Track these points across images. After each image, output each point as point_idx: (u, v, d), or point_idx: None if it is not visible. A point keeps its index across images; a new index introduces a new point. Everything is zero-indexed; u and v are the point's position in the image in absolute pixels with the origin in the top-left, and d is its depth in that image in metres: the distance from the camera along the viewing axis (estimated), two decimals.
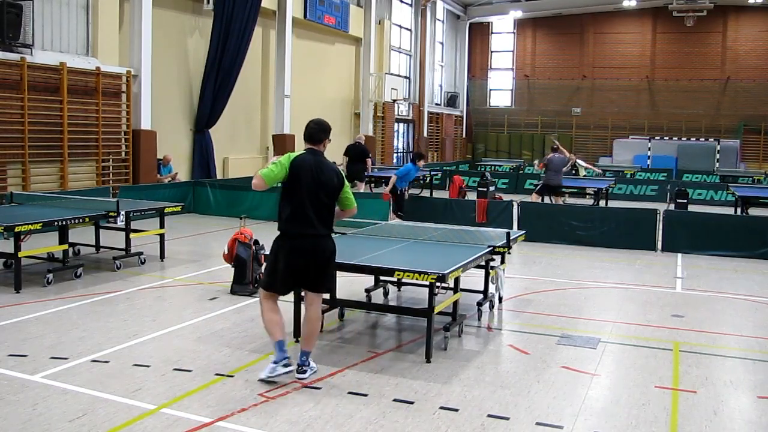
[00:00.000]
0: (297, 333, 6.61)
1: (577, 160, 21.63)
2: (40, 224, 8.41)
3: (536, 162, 16.55)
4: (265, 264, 6.25)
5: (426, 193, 21.49)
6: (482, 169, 28.77)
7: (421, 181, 22.30)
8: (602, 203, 18.09)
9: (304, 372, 5.59)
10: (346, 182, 5.77)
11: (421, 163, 13.75)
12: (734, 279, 10.44)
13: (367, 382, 5.58)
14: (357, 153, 17.88)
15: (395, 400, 5.24)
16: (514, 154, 36.56)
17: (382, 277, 8.24)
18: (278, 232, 5.61)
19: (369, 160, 18.08)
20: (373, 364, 6.06)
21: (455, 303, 6.85)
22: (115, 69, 15.02)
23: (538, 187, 16.17)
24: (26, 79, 13.03)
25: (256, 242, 8.68)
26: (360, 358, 6.19)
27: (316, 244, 5.53)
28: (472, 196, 17.08)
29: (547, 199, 16.08)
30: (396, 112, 28.99)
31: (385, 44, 28.21)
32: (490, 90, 39.50)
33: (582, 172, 22.23)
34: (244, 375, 5.66)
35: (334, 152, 18.49)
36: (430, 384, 5.60)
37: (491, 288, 7.96)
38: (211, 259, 10.66)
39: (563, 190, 15.79)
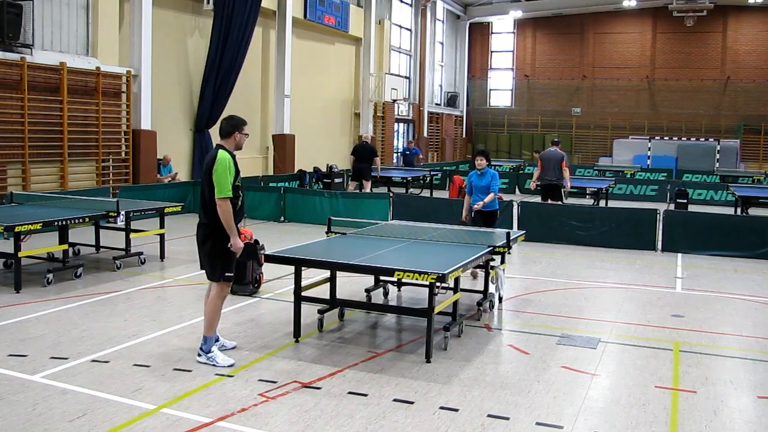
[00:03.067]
0: (297, 333, 6.62)
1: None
2: (40, 224, 8.41)
3: (534, 177, 15.41)
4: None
5: (426, 193, 21.52)
6: None
7: (422, 181, 22.33)
8: (602, 203, 18.11)
9: (199, 355, 5.96)
10: (217, 164, 5.79)
11: (480, 162, 9.71)
12: (734, 279, 10.44)
13: (367, 382, 5.58)
14: (364, 152, 17.68)
15: (395, 400, 5.24)
16: (514, 154, 36.55)
17: (382, 277, 8.24)
18: None
19: (377, 159, 17.91)
20: (373, 364, 6.06)
21: (455, 303, 6.86)
22: (115, 69, 15.02)
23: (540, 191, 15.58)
24: (26, 79, 13.03)
25: (257, 242, 8.67)
26: (360, 358, 6.19)
27: (199, 232, 5.99)
28: None
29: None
30: (396, 112, 28.99)
31: (385, 44, 28.20)
32: (490, 90, 39.51)
33: None
34: (244, 375, 5.67)
35: (337, 152, 18.52)
36: (430, 384, 5.60)
37: (491, 288, 7.96)
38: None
39: (562, 190, 15.04)
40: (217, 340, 6.19)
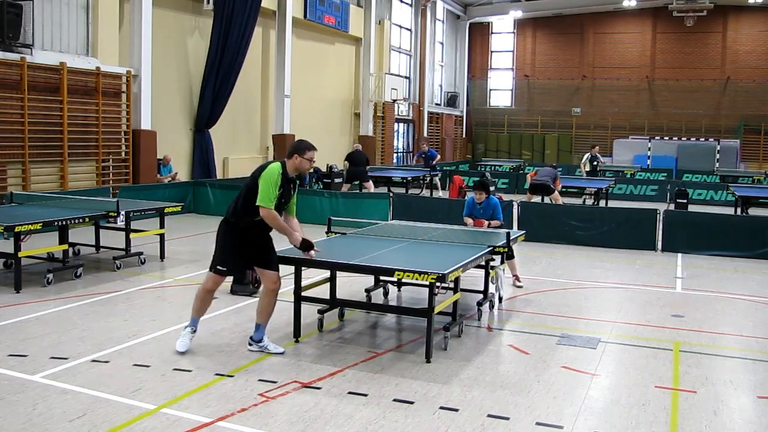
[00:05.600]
0: (297, 333, 6.62)
1: (596, 154, 21.55)
2: (40, 224, 8.41)
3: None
4: None
5: (426, 193, 21.50)
6: (482, 169, 28.77)
7: (422, 182, 22.33)
8: (602, 203, 18.10)
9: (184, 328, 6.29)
10: (265, 173, 5.95)
11: (479, 196, 9.19)
12: (734, 279, 10.44)
13: (367, 382, 5.59)
14: (360, 158, 18.43)
15: (395, 400, 5.24)
16: (514, 154, 36.54)
17: (382, 277, 8.24)
18: None
19: (368, 167, 18.85)
20: (373, 364, 6.06)
21: (455, 303, 6.85)
22: (115, 69, 15.02)
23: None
24: (26, 79, 13.03)
25: None
26: (360, 358, 6.19)
27: (219, 228, 6.31)
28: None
29: (547, 200, 16.10)
30: (396, 112, 28.98)
31: (385, 44, 28.19)
32: (490, 90, 39.49)
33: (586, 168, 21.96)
34: (244, 375, 5.67)
35: (337, 152, 18.70)
36: (430, 384, 5.60)
37: (491, 288, 7.96)
38: (211, 259, 10.64)
39: (564, 190, 15.63)
40: (261, 338, 6.31)
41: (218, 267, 6.16)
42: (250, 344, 6.31)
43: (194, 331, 6.28)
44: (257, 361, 5.99)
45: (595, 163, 21.38)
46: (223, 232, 6.18)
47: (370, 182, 18.65)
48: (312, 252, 6.26)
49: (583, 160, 21.80)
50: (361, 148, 19.36)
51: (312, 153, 6.15)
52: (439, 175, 24.21)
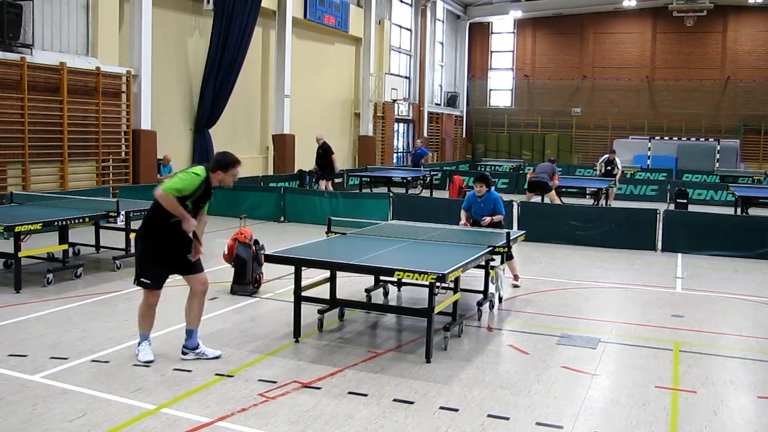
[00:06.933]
0: (297, 333, 6.62)
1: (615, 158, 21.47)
2: (40, 224, 8.42)
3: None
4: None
5: (426, 193, 21.50)
6: (482, 169, 28.76)
7: (421, 182, 22.34)
8: (602, 203, 18.10)
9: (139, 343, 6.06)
10: (183, 172, 6.17)
11: (480, 188, 9.07)
12: (734, 279, 10.44)
13: (367, 382, 5.59)
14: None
15: (395, 400, 5.24)
16: (514, 154, 36.54)
17: (382, 277, 8.24)
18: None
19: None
20: (373, 364, 6.06)
21: (455, 303, 6.86)
22: (115, 69, 15.02)
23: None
24: (26, 79, 13.03)
25: (256, 242, 8.69)
26: (360, 358, 6.19)
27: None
28: None
29: (547, 199, 16.11)
30: (396, 112, 28.98)
31: (385, 44, 28.19)
32: (490, 90, 39.48)
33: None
34: (244, 375, 5.67)
35: (337, 152, 18.89)
36: (430, 384, 5.60)
37: (491, 288, 7.96)
38: (211, 259, 10.63)
39: (563, 191, 15.78)
40: (197, 345, 6.08)
41: (142, 279, 5.95)
42: (184, 353, 6.02)
43: (150, 343, 6.05)
44: (257, 361, 5.99)
45: (610, 167, 21.28)
46: (140, 240, 6.10)
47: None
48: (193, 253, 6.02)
49: (599, 162, 21.74)
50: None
51: (237, 170, 5.97)
52: (440, 175, 24.21)
